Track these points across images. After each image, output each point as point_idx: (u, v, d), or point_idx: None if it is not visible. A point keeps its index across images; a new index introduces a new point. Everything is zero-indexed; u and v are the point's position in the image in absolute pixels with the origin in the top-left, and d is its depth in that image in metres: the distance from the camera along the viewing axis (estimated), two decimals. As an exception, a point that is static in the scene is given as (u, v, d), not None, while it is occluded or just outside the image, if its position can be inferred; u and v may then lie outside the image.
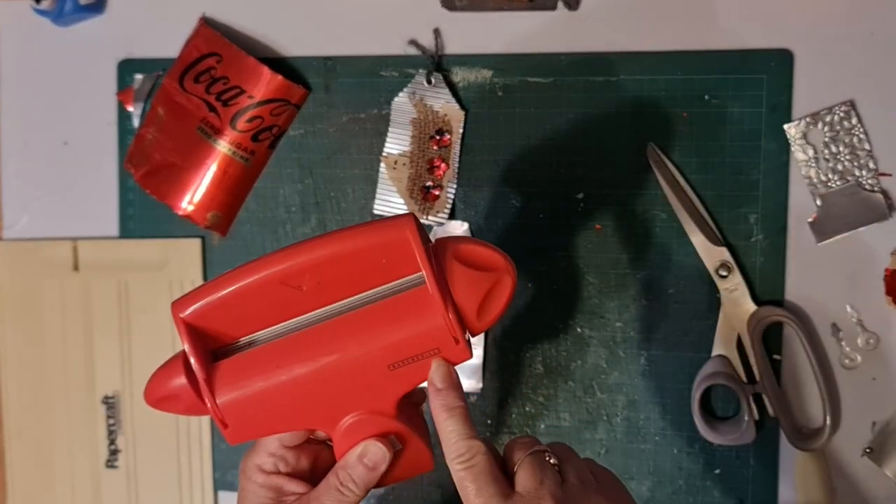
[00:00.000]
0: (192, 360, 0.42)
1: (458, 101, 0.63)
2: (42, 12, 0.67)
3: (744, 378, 0.59)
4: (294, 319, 0.44)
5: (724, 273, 0.59)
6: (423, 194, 0.63)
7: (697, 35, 0.60)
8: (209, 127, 0.64)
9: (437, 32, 0.63)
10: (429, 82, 0.63)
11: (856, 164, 0.58)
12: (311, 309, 0.44)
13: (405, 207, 0.64)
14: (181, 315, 0.42)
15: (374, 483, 0.45)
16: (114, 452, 0.70)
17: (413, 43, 0.63)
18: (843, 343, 0.59)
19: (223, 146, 0.64)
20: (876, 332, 0.58)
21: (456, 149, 0.63)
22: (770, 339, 0.59)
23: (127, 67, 0.69)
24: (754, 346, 0.58)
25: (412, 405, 0.47)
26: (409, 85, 0.63)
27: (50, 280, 0.70)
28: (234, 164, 0.64)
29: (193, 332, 0.42)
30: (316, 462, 0.48)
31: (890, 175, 0.58)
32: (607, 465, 0.61)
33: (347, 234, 0.42)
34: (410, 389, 0.44)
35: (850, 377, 0.59)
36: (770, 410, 0.59)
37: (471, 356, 0.43)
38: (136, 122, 0.68)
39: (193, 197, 0.65)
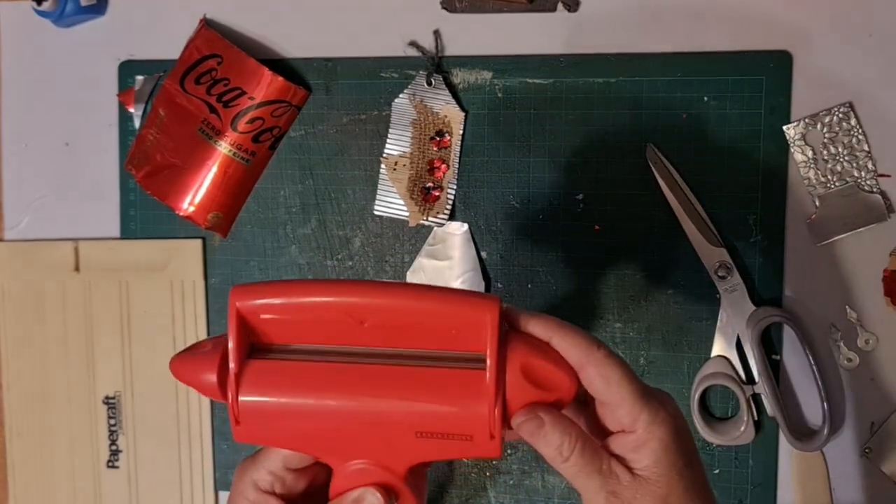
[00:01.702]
0: (231, 355, 0.41)
1: (458, 102, 0.63)
2: (43, 13, 0.67)
3: (743, 378, 0.59)
4: (341, 347, 0.42)
5: (724, 274, 0.59)
6: (424, 195, 0.64)
7: (696, 37, 0.60)
8: (210, 128, 0.64)
9: (437, 34, 0.63)
10: (429, 84, 0.63)
11: (854, 165, 0.58)
12: (362, 344, 0.42)
13: (405, 208, 0.64)
14: (238, 304, 0.40)
15: None
16: (115, 452, 0.70)
17: (413, 44, 0.64)
18: (841, 343, 0.59)
19: (224, 147, 0.64)
20: (875, 333, 0.58)
21: (456, 150, 0.63)
22: (769, 339, 0.59)
23: (128, 69, 0.69)
24: (753, 347, 0.58)
25: (421, 470, 0.45)
26: (409, 86, 0.63)
27: (51, 281, 0.70)
28: (234, 165, 0.65)
29: (243, 324, 0.41)
30: (311, 486, 0.45)
31: (889, 176, 0.58)
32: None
33: (433, 295, 0.40)
34: (428, 461, 0.43)
35: (848, 377, 0.59)
36: (769, 411, 0.59)
37: (500, 456, 0.41)
38: (137, 124, 0.69)
39: (194, 198, 0.65)
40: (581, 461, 0.39)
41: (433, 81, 0.63)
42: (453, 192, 0.63)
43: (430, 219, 0.64)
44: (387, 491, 0.42)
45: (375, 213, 0.65)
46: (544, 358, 0.40)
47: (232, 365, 0.41)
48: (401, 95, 0.64)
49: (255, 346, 0.42)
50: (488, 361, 0.39)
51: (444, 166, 0.63)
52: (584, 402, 0.42)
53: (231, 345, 0.41)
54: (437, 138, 0.63)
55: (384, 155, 0.64)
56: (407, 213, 0.64)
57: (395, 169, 0.64)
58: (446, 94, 0.63)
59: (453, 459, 0.45)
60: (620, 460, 0.39)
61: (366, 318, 0.41)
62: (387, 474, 0.42)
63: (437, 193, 0.64)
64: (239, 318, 0.41)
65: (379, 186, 0.65)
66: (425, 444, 0.41)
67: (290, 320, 0.41)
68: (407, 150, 0.64)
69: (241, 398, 0.41)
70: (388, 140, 0.64)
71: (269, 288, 0.41)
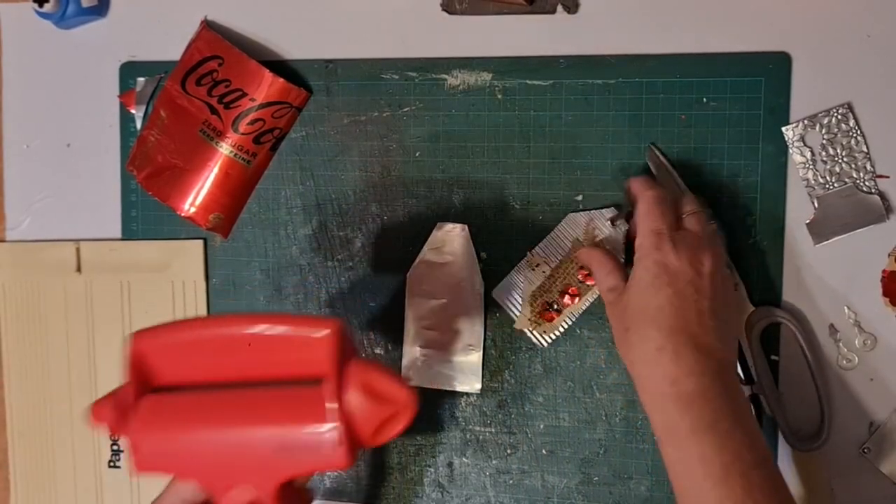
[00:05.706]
0: (126, 389, 0.48)
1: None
2: (45, 15, 0.67)
3: (742, 378, 0.59)
4: (216, 382, 0.48)
5: (723, 274, 0.59)
6: (543, 309, 0.62)
7: (696, 38, 0.60)
8: (211, 129, 0.65)
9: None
10: (612, 224, 0.61)
11: (853, 165, 0.58)
12: (233, 378, 0.48)
13: (520, 307, 0.62)
14: (135, 346, 0.48)
15: None
16: (116, 452, 0.70)
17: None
18: (840, 344, 0.59)
19: (225, 148, 0.64)
20: (873, 333, 0.59)
21: (595, 293, 0.61)
22: (768, 339, 0.60)
23: (129, 70, 0.69)
24: (752, 347, 0.59)
25: (296, 492, 0.50)
26: (590, 211, 0.62)
27: (53, 281, 0.70)
28: (235, 166, 0.65)
29: (139, 363, 0.48)
30: None
31: (887, 177, 0.58)
32: (606, 465, 0.62)
33: (281, 317, 0.47)
34: (291, 477, 0.47)
35: (847, 378, 0.59)
36: (768, 411, 0.59)
37: (348, 466, 0.46)
38: (138, 125, 0.69)
39: (196, 199, 0.65)
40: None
41: (616, 224, 0.60)
42: (569, 323, 0.62)
43: (535, 333, 0.62)
44: None
45: (493, 295, 0.63)
46: (380, 375, 0.46)
47: (128, 399, 0.47)
48: (581, 214, 0.62)
49: (155, 389, 0.48)
50: (327, 379, 0.45)
51: (576, 299, 0.61)
52: None
53: (129, 385, 0.47)
54: (587, 271, 0.61)
55: (534, 251, 0.62)
56: (519, 313, 0.63)
57: (533, 269, 0.62)
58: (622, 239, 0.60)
59: (313, 474, 0.50)
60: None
61: (231, 348, 0.47)
62: (260, 494, 0.47)
63: (554, 316, 0.62)
64: (135, 359, 0.48)
65: (512, 274, 0.63)
66: (284, 460, 0.46)
67: (176, 363, 0.48)
68: (555, 260, 0.62)
69: (131, 430, 0.47)
70: (541, 242, 0.62)
71: (159, 329, 0.48)
